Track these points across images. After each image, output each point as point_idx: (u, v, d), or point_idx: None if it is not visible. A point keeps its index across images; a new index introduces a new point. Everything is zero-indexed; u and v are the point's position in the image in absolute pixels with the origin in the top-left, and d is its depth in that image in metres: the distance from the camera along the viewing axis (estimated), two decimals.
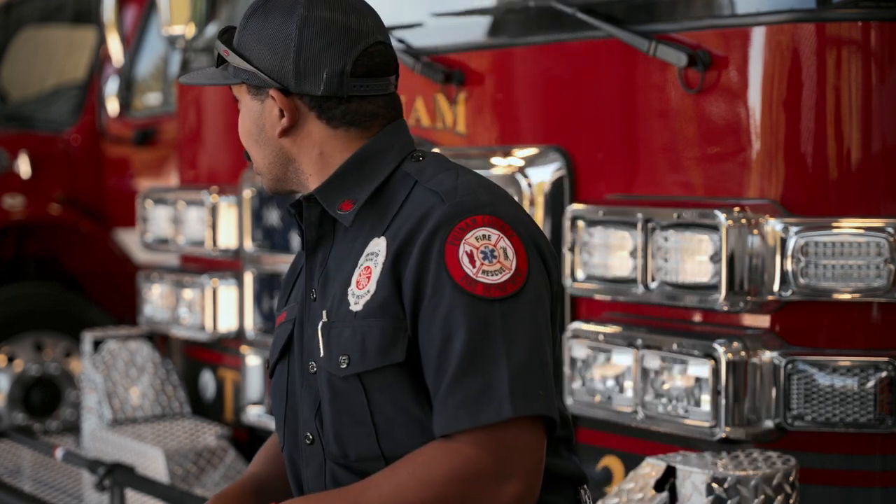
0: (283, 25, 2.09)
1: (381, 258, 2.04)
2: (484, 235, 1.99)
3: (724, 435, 2.98)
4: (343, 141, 2.12)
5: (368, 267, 2.05)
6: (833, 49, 3.01)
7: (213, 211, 4.72)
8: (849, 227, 2.96)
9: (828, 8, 3.03)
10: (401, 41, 3.88)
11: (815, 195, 3.03)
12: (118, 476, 3.98)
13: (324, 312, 2.09)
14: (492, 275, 1.97)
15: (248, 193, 4.57)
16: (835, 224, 2.98)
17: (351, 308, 2.05)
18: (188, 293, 4.84)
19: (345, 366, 2.05)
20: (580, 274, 3.31)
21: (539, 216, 3.45)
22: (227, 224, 4.70)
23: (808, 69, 3.01)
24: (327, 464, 2.12)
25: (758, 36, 3.09)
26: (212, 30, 4.98)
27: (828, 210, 3.00)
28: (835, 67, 3.00)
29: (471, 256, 1.98)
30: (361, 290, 2.05)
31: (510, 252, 1.99)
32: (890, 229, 2.93)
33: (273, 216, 4.51)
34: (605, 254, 3.25)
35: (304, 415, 2.15)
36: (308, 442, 2.14)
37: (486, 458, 1.94)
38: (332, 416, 2.09)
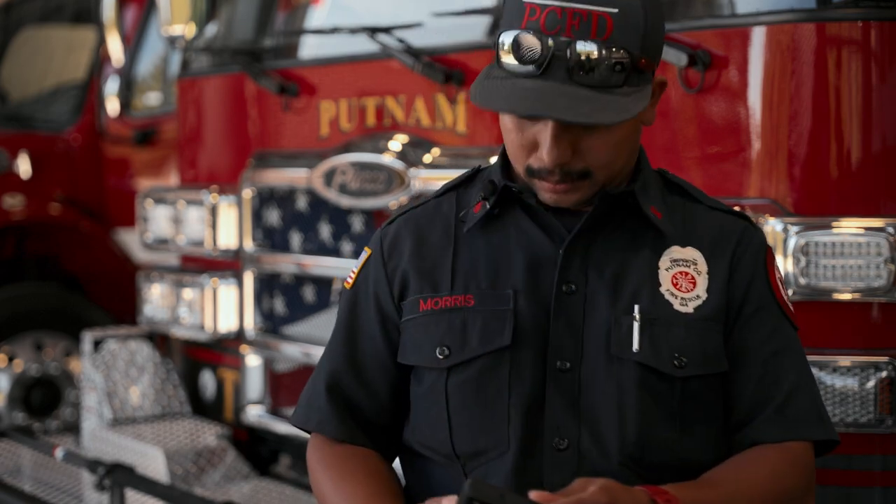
0: None
1: (704, 267, 2.07)
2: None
3: None
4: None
5: (685, 272, 2.06)
6: (833, 49, 3.01)
7: (213, 211, 4.72)
8: (849, 227, 2.96)
9: (828, 8, 3.03)
10: (401, 41, 3.88)
11: (815, 195, 3.03)
12: (118, 476, 3.98)
13: (636, 307, 2.02)
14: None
15: (248, 193, 4.57)
16: (835, 224, 2.98)
17: (676, 308, 2.04)
18: (188, 293, 4.84)
19: (681, 365, 2.01)
20: None
21: None
22: (227, 224, 4.70)
23: (808, 69, 3.01)
24: (583, 469, 1.99)
25: (758, 36, 3.09)
26: (212, 30, 4.98)
27: (828, 210, 3.00)
28: (835, 67, 3.00)
29: (780, 280, 2.15)
30: (688, 293, 2.05)
31: None
32: (890, 229, 2.93)
33: (273, 216, 4.52)
34: None
35: (555, 418, 2.01)
36: (561, 448, 2.01)
37: (813, 469, 2.07)
38: (639, 417, 1.99)
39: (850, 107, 3.00)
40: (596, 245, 2.06)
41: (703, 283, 2.05)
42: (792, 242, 2.99)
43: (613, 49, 1.92)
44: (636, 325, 2.00)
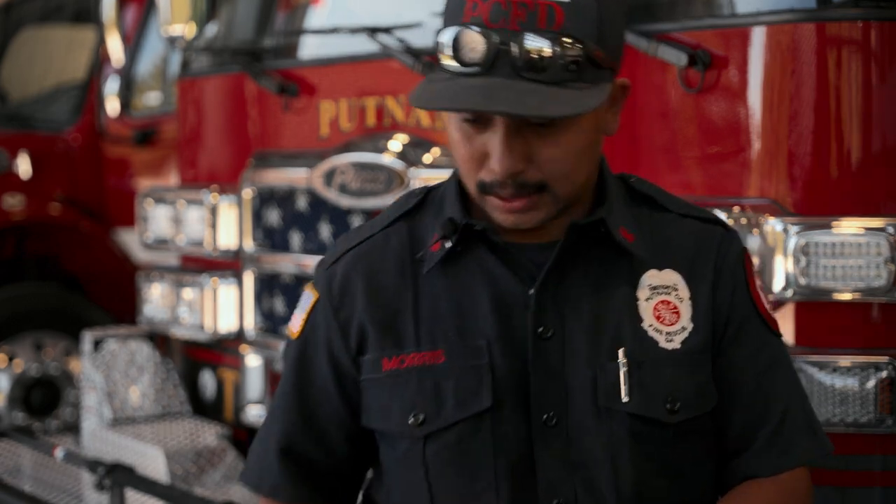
0: None
1: (685, 293, 1.90)
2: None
3: None
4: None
5: (667, 301, 1.89)
6: (833, 49, 3.01)
7: (213, 211, 4.72)
8: (849, 227, 2.96)
9: (828, 8, 3.03)
10: (401, 41, 3.88)
11: (815, 195, 3.03)
12: (118, 476, 3.98)
13: (620, 352, 1.85)
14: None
15: (248, 193, 4.57)
16: (835, 224, 2.98)
17: (663, 346, 1.87)
18: (188, 293, 4.83)
19: (674, 410, 1.85)
20: None
21: None
22: (227, 224, 4.70)
23: (808, 69, 3.01)
24: None
25: (758, 36, 3.09)
26: (212, 30, 4.98)
27: (828, 210, 3.00)
28: (835, 67, 3.00)
29: (760, 288, 1.99)
30: (672, 326, 1.88)
31: None
32: (890, 229, 2.93)
33: (273, 216, 4.51)
34: None
35: (548, 477, 1.85)
36: None
37: (810, 491, 1.99)
38: (634, 469, 1.84)
39: (850, 107, 3.00)
40: (568, 281, 1.87)
41: (686, 311, 1.89)
42: (792, 242, 2.99)
43: (565, 41, 1.73)
44: (623, 373, 1.84)
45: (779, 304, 3.03)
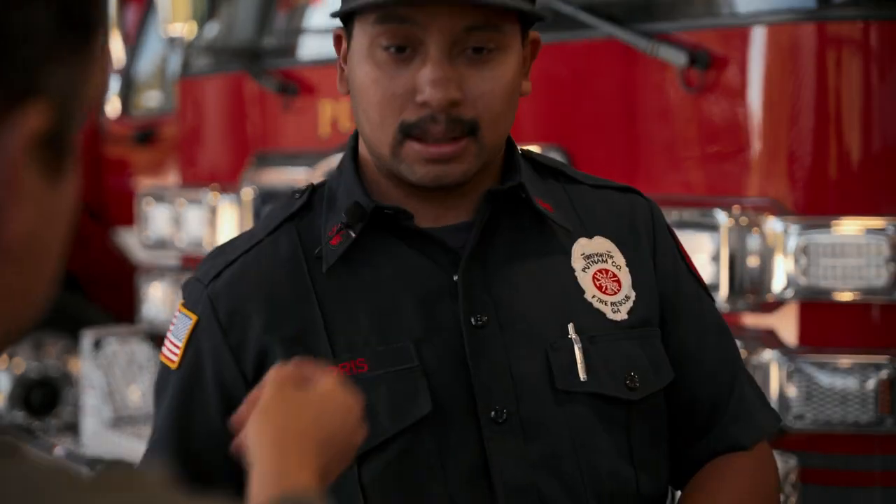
0: None
1: (621, 259, 1.73)
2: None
3: None
4: None
5: (605, 270, 1.72)
6: (833, 49, 3.01)
7: (214, 210, 4.72)
8: (849, 227, 2.96)
9: (828, 8, 3.03)
10: None
11: (816, 195, 3.03)
12: None
13: (570, 327, 1.67)
14: None
15: (248, 193, 4.57)
16: (835, 224, 2.98)
17: (611, 317, 1.69)
18: None
19: (633, 387, 1.68)
20: None
21: None
22: (227, 224, 4.70)
23: (808, 69, 3.01)
24: None
25: (758, 36, 3.09)
26: (212, 30, 4.98)
27: (828, 209, 3.00)
28: (835, 67, 3.00)
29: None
30: (615, 295, 1.71)
31: None
32: (890, 229, 2.93)
33: None
34: None
35: (508, 481, 1.63)
36: None
37: (774, 460, 1.84)
38: (604, 457, 1.67)
39: (851, 106, 3.00)
40: (494, 260, 1.68)
41: (626, 279, 1.72)
42: (792, 242, 2.99)
43: None
44: (578, 349, 1.66)
45: (779, 303, 3.03)
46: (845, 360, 2.97)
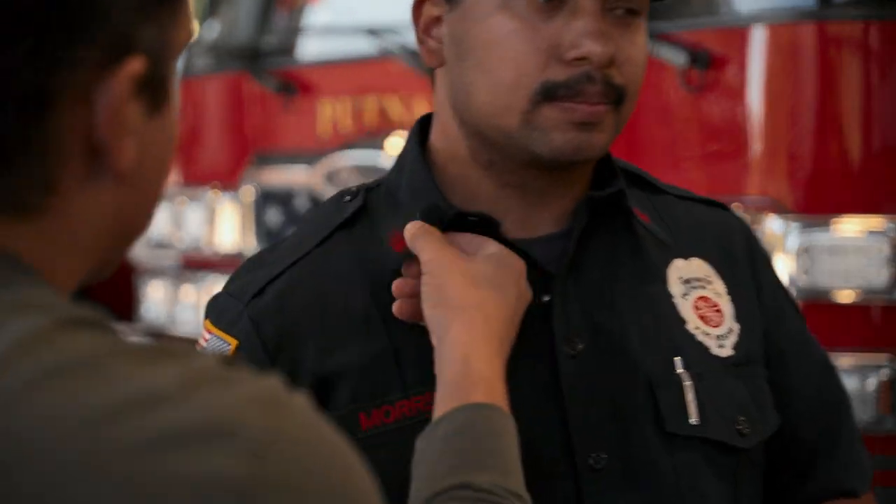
0: None
1: (720, 286, 1.50)
2: None
3: None
4: None
5: (705, 298, 1.49)
6: (833, 49, 3.01)
7: (213, 210, 4.72)
8: (849, 227, 2.96)
9: (828, 7, 3.03)
10: (401, 41, 3.88)
11: (816, 194, 3.03)
12: None
13: (677, 362, 1.43)
14: None
15: (248, 193, 4.56)
16: (835, 224, 2.98)
17: (715, 352, 1.46)
18: (188, 293, 4.83)
19: (744, 433, 1.45)
20: None
21: None
22: (227, 224, 4.70)
23: (809, 69, 3.01)
24: None
25: (758, 35, 3.08)
26: (212, 29, 4.98)
27: (828, 209, 3.00)
28: (835, 67, 3.00)
29: None
30: (718, 328, 1.48)
31: None
32: (890, 229, 2.93)
33: (273, 216, 4.51)
34: None
35: None
36: None
37: None
38: None
39: (851, 106, 3.00)
40: (589, 278, 1.43)
41: (728, 309, 1.50)
42: (792, 242, 2.98)
43: None
44: (688, 387, 1.43)
45: None
46: (845, 360, 2.97)
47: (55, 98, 0.84)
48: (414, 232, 1.33)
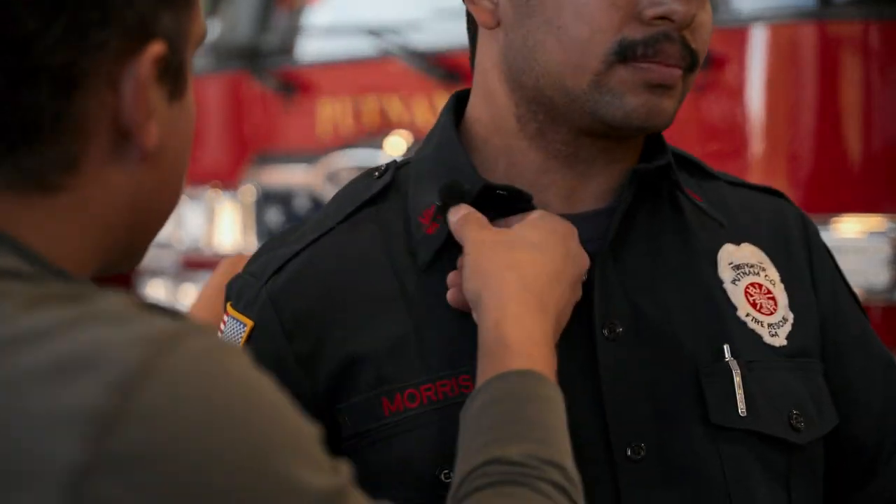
0: None
1: (774, 273, 1.42)
2: None
3: None
4: None
5: (758, 284, 1.40)
6: (833, 49, 3.01)
7: (213, 210, 4.72)
8: (849, 227, 2.96)
9: (828, 8, 3.03)
10: (401, 41, 3.88)
11: (816, 194, 3.03)
12: None
13: (726, 349, 1.34)
14: None
15: (248, 193, 4.57)
16: (835, 223, 2.98)
17: (768, 341, 1.38)
18: (188, 293, 4.83)
19: (798, 427, 1.36)
20: None
21: None
22: (227, 223, 4.70)
23: (809, 69, 3.01)
24: None
25: (758, 35, 3.09)
26: (212, 29, 4.99)
27: (828, 209, 3.00)
28: (835, 67, 3.00)
29: None
30: (771, 316, 1.39)
31: None
32: (890, 229, 2.93)
33: (273, 216, 4.51)
34: None
35: None
36: None
37: None
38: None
39: (851, 106, 3.00)
40: (632, 257, 1.35)
41: (782, 298, 1.41)
42: None
43: None
44: (737, 376, 1.34)
45: None
46: None
47: (85, 78, 0.89)
48: (458, 219, 1.28)
